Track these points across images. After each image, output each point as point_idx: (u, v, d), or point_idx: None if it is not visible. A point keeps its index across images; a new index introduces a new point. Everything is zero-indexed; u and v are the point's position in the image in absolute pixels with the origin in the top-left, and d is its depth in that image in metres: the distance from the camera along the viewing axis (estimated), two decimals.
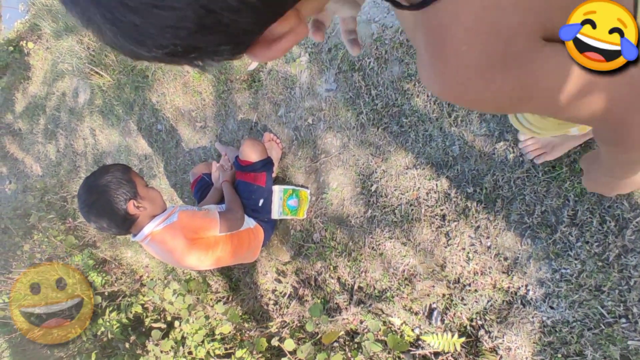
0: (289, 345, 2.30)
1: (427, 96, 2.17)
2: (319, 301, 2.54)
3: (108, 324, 3.64)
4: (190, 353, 2.81)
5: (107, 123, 4.07)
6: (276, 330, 2.70)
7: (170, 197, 3.43)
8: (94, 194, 2.07)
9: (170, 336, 3.03)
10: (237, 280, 3.09)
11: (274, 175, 2.63)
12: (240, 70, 3.00)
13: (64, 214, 4.64)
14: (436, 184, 2.17)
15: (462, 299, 2.13)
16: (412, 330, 2.30)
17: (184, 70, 3.36)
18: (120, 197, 2.09)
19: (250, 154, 2.48)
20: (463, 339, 2.11)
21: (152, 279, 3.52)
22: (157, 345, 2.99)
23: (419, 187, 2.21)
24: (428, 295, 2.23)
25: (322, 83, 2.55)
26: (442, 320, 2.22)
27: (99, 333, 3.65)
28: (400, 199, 2.27)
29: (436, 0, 0.54)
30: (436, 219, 2.17)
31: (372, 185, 2.35)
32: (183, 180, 3.34)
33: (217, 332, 2.85)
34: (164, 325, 3.73)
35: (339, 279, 2.50)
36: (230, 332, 2.90)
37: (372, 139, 2.34)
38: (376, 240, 2.34)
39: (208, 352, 2.81)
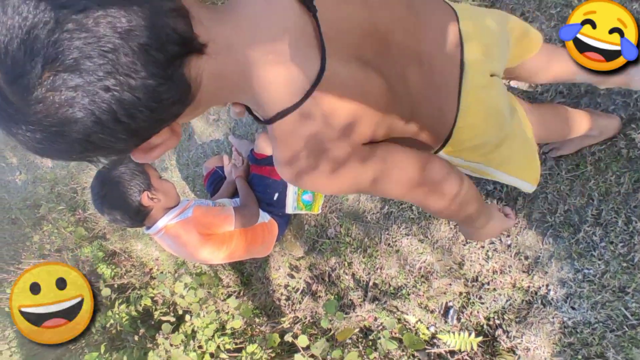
0: (302, 341, 2.27)
1: None
2: (332, 297, 2.52)
3: (117, 316, 3.63)
4: (200, 347, 2.79)
5: None
6: (288, 325, 2.67)
7: (182, 190, 3.41)
8: (107, 186, 2.05)
9: (181, 330, 3.01)
10: (249, 274, 3.06)
11: None
12: None
13: (74, 206, 4.63)
14: None
15: (480, 297, 2.10)
16: (428, 328, 2.27)
17: None
18: (134, 189, 2.06)
19: (266, 147, 2.46)
20: (480, 338, 2.08)
21: (162, 272, 3.50)
22: (167, 338, 2.97)
23: None
24: (444, 293, 2.21)
25: None
26: (459, 319, 2.19)
27: (107, 325, 3.64)
28: None
29: (278, 121, 0.78)
30: None
31: None
32: (195, 174, 3.32)
33: (228, 326, 2.83)
34: (173, 319, 3.71)
35: (353, 275, 2.47)
36: (241, 327, 2.88)
37: None
38: (392, 237, 2.31)
39: (218, 347, 2.79)
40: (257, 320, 2.95)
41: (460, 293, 2.17)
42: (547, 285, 1.93)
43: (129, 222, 2.12)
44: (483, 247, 2.06)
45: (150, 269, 3.91)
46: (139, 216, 2.12)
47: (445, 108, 1.02)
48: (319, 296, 2.61)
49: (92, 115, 0.61)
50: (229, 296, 3.02)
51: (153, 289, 3.76)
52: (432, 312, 2.26)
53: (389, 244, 2.33)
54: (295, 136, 0.80)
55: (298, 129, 0.79)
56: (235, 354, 2.68)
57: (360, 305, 2.43)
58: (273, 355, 2.62)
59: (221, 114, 3.14)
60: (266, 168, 2.48)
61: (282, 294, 2.84)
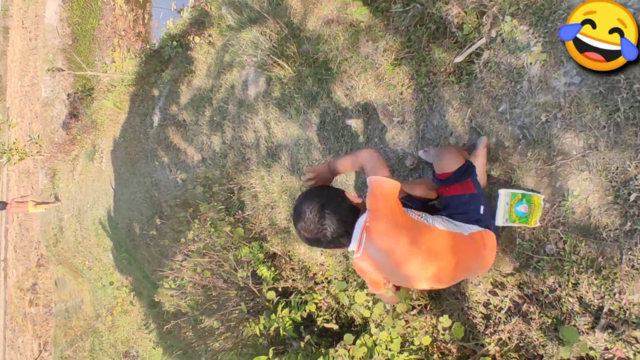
0: None
1: None
2: (550, 321, 2.26)
3: (281, 320, 3.56)
4: None
5: (284, 115, 3.98)
6: (492, 348, 2.44)
7: (358, 194, 3.28)
8: (315, 201, 2.02)
9: (360, 341, 2.86)
10: None
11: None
12: (445, 62, 2.77)
13: (229, 206, 4.64)
14: None
15: None
16: None
17: (376, 62, 3.19)
18: (336, 192, 2.13)
19: (445, 165, 2.25)
20: None
21: (339, 280, 3.37)
22: (348, 350, 2.84)
23: None
24: None
25: (559, 76, 2.26)
26: None
27: (271, 329, 3.58)
28: None
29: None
30: None
31: (629, 194, 2.03)
32: None
33: (416, 342, 2.63)
34: (336, 327, 3.59)
35: (580, 298, 2.19)
36: (428, 345, 2.68)
37: (631, 140, 2.02)
38: (637, 258, 2.02)
39: None
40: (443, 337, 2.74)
41: None
42: None
43: (343, 229, 1.99)
44: None
45: (314, 274, 3.81)
46: (353, 217, 2.05)
47: None
48: (531, 318, 2.35)
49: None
50: (414, 308, 2.84)
51: (318, 294, 3.66)
52: None
53: (633, 265, 2.03)
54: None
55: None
56: None
57: (587, 332, 2.15)
58: None
59: (407, 116, 2.97)
60: (456, 186, 2.26)
61: (478, 312, 2.61)
